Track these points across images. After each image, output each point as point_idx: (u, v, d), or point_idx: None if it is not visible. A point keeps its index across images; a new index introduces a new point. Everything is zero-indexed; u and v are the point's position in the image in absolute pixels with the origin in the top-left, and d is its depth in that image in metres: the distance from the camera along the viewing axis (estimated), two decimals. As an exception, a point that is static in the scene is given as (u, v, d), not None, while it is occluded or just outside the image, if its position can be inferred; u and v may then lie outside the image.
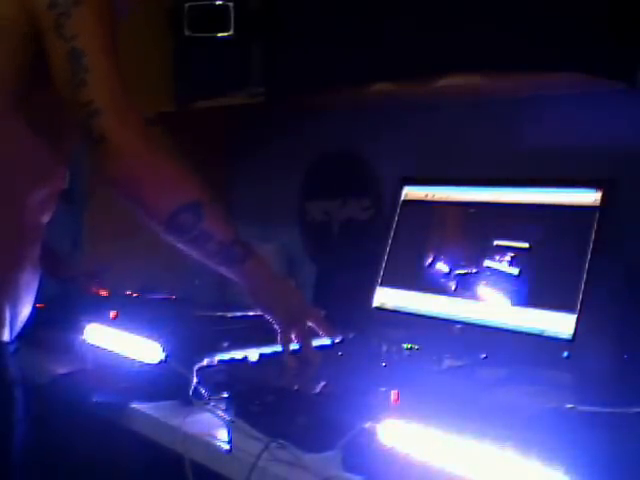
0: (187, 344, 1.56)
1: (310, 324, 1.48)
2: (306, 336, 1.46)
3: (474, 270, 1.66)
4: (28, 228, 1.39)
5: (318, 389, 1.29)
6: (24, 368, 1.42)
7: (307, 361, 1.44)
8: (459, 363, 1.46)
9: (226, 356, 1.51)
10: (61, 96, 1.26)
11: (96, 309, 1.81)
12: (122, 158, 1.25)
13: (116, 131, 1.24)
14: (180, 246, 1.33)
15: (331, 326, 1.50)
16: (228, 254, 1.36)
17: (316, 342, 1.50)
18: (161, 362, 1.52)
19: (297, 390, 1.32)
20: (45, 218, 1.42)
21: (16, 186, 1.35)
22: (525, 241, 1.60)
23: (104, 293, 2.04)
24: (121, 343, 1.65)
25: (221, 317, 1.81)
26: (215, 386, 1.43)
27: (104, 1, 1.29)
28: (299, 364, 1.44)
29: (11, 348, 1.39)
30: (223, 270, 1.39)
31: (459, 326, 1.65)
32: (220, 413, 1.39)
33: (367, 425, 1.15)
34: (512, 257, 1.60)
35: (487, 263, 1.64)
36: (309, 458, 1.22)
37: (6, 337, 1.36)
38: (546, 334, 1.51)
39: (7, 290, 1.36)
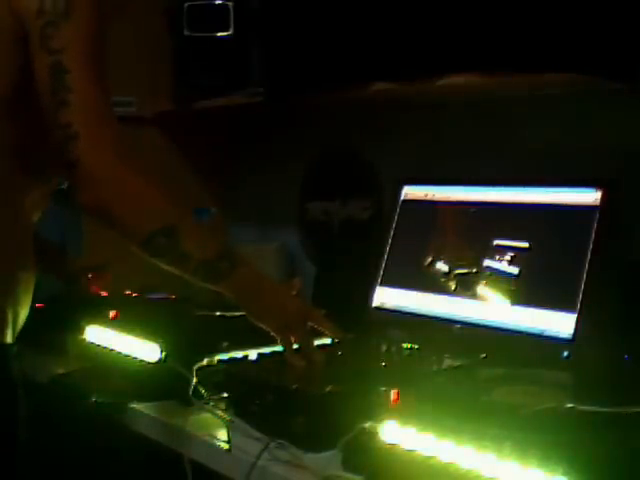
0: (187, 344, 1.56)
1: (312, 325, 1.47)
2: (306, 337, 1.46)
3: (474, 270, 1.66)
4: (22, 228, 1.39)
5: (326, 389, 1.28)
6: (24, 368, 1.42)
7: (309, 361, 1.44)
8: (459, 363, 1.46)
9: (226, 356, 1.51)
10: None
11: (96, 309, 1.81)
12: (94, 184, 1.24)
13: (90, 156, 1.23)
14: (161, 266, 1.33)
15: (334, 325, 1.50)
16: (210, 271, 1.35)
17: (316, 342, 1.50)
18: (161, 362, 1.52)
19: (299, 390, 1.32)
20: (35, 217, 1.42)
21: (11, 187, 1.35)
22: (525, 241, 1.60)
23: (104, 293, 2.04)
24: (121, 343, 1.65)
25: (221, 317, 1.81)
26: (215, 386, 1.43)
27: (94, 14, 1.26)
28: (303, 363, 1.44)
29: (13, 350, 1.39)
30: (209, 286, 1.38)
31: (459, 326, 1.65)
32: (220, 413, 1.39)
33: (367, 425, 1.15)
34: (512, 257, 1.60)
35: (487, 263, 1.64)
36: (309, 458, 1.22)
37: (9, 339, 1.36)
38: (546, 334, 1.51)
39: (7, 292, 1.36)
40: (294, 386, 1.32)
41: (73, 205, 1.31)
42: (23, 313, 1.40)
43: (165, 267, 1.33)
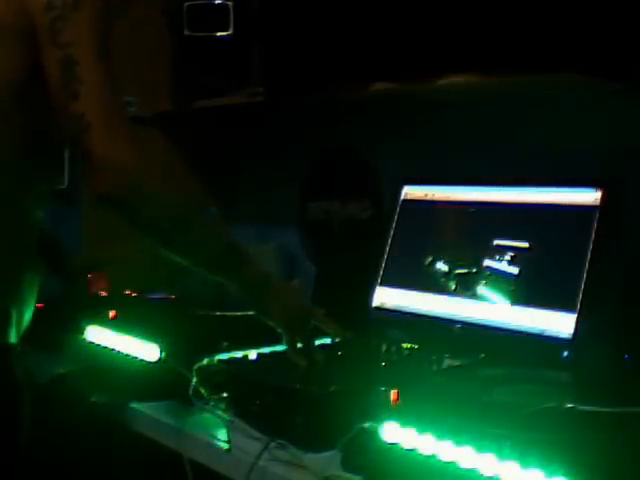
0: (187, 344, 1.56)
1: (315, 324, 1.47)
2: (309, 337, 1.46)
3: (474, 270, 1.66)
4: (27, 228, 1.39)
5: (327, 389, 1.28)
6: (25, 369, 1.42)
7: (311, 361, 1.44)
8: (459, 363, 1.46)
9: (226, 356, 1.51)
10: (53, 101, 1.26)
11: (96, 309, 1.81)
12: (109, 173, 1.24)
13: (104, 145, 1.23)
14: (171, 256, 1.33)
15: (337, 325, 1.50)
16: (219, 262, 1.36)
17: (316, 342, 1.50)
18: (160, 362, 1.52)
19: (300, 389, 1.32)
20: (39, 215, 1.42)
21: (15, 187, 1.35)
22: (525, 241, 1.59)
23: (104, 293, 2.04)
24: (120, 343, 1.65)
25: (221, 317, 1.81)
26: (215, 386, 1.43)
27: (102, 8, 1.27)
28: (305, 362, 1.43)
29: (17, 350, 1.39)
30: (218, 278, 1.38)
31: (459, 326, 1.65)
32: (220, 413, 1.39)
33: (367, 425, 1.15)
34: (512, 257, 1.60)
35: (487, 263, 1.64)
36: (309, 458, 1.22)
37: (13, 339, 1.36)
38: (546, 334, 1.51)
39: (12, 292, 1.36)
40: (297, 386, 1.32)
41: (73, 205, 1.31)
42: (28, 313, 1.40)
43: (175, 257, 1.33)
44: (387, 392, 1.18)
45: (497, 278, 1.62)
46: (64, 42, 1.24)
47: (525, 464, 0.97)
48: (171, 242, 1.32)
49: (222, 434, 1.36)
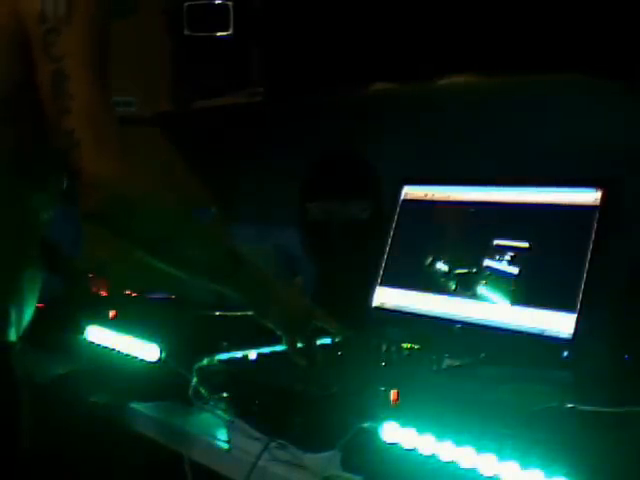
0: (186, 344, 1.56)
1: (316, 323, 1.47)
2: (310, 337, 1.46)
3: (474, 270, 1.66)
4: (29, 228, 1.39)
5: (328, 390, 1.28)
6: (24, 368, 1.42)
7: (312, 361, 1.44)
8: (459, 363, 1.46)
9: (226, 356, 1.51)
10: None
11: (96, 309, 1.81)
12: (99, 191, 1.23)
13: (94, 163, 1.22)
14: (167, 269, 1.33)
15: (339, 324, 1.50)
16: (215, 272, 1.35)
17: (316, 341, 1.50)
18: (160, 362, 1.52)
19: (303, 390, 1.32)
20: (45, 216, 1.42)
21: (15, 189, 1.35)
22: (525, 241, 1.59)
23: (104, 293, 2.04)
24: (121, 343, 1.65)
25: (221, 317, 1.81)
26: (215, 386, 1.43)
27: (96, 14, 1.26)
28: (306, 362, 1.43)
29: (16, 348, 1.39)
30: (215, 286, 1.38)
31: (459, 326, 1.65)
32: (220, 413, 1.39)
33: (366, 425, 1.15)
34: (512, 257, 1.60)
35: (487, 263, 1.64)
36: (308, 458, 1.22)
37: (13, 337, 1.36)
38: (546, 334, 1.51)
39: (12, 291, 1.36)
40: (297, 386, 1.32)
41: (72, 205, 1.30)
42: (28, 312, 1.40)
43: (171, 271, 1.33)
44: (387, 392, 1.18)
45: (497, 278, 1.62)
46: (56, 55, 1.23)
47: (525, 464, 0.97)
48: (163, 257, 1.31)
49: (222, 434, 1.36)
